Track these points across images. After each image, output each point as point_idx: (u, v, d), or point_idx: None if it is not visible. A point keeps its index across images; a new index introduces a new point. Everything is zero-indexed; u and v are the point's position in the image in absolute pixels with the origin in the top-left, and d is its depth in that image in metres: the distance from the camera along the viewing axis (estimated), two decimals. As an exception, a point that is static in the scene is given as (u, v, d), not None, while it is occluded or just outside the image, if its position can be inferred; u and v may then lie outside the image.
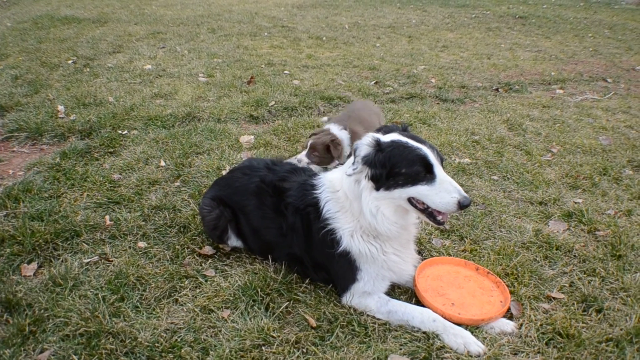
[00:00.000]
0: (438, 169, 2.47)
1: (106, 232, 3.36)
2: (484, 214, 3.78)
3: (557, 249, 3.38)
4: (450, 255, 3.26)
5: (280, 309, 2.71)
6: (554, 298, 2.89)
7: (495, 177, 4.44)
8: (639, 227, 3.70)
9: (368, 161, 2.47)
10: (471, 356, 2.42)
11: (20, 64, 7.39)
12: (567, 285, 3.01)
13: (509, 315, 2.74)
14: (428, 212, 2.56)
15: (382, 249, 2.69)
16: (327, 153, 4.22)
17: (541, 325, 2.65)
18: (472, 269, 3.05)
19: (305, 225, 2.80)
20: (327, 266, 2.80)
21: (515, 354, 2.47)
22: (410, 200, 2.54)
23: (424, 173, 2.45)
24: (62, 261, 3.04)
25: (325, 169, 4.45)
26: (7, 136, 4.89)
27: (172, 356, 2.39)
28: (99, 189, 3.89)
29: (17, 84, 6.39)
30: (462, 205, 2.42)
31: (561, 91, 7.53)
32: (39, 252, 3.12)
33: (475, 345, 2.46)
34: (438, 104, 6.65)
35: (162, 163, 4.38)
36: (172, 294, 2.82)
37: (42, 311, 2.61)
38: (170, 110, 5.64)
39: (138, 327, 2.54)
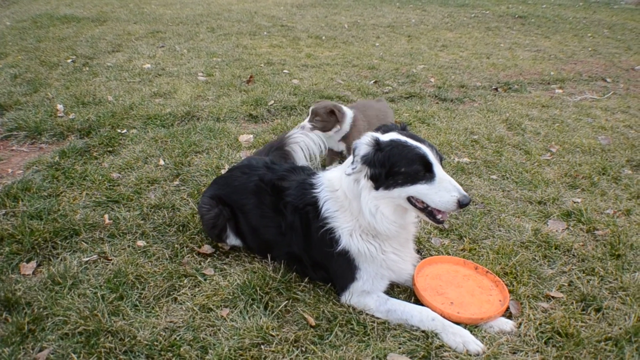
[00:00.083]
0: (437, 167, 2.47)
1: (105, 231, 3.35)
2: (483, 213, 3.79)
3: (556, 248, 3.38)
4: (450, 254, 3.26)
5: (280, 308, 2.71)
6: (553, 297, 2.89)
7: (494, 177, 4.45)
8: (638, 227, 3.71)
9: (367, 160, 2.47)
10: (470, 355, 2.42)
11: (19, 62, 7.38)
12: (566, 284, 3.02)
13: (508, 314, 2.75)
14: (427, 211, 2.56)
15: (381, 248, 2.69)
16: (331, 117, 4.21)
17: (540, 324, 2.65)
18: (471, 268, 3.06)
19: (304, 224, 2.80)
20: (326, 265, 2.80)
21: (514, 353, 2.47)
22: (410, 200, 2.54)
23: (423, 172, 2.45)
24: (61, 260, 3.03)
25: (330, 160, 4.48)
26: (6, 135, 4.88)
27: (171, 355, 2.39)
28: (98, 188, 3.89)
29: (16, 83, 6.38)
30: (461, 204, 2.42)
31: (560, 91, 7.53)
32: (38, 251, 3.11)
33: (474, 344, 2.46)
34: (437, 103, 6.66)
35: (161, 162, 4.38)
36: (171, 293, 2.82)
37: (41, 310, 2.61)
38: (169, 109, 5.63)
39: (137, 326, 2.54)
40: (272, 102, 6.08)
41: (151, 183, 4.03)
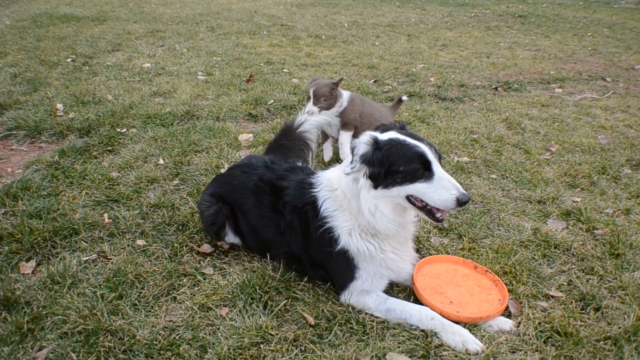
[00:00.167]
0: (436, 166, 2.47)
1: (105, 230, 3.36)
2: (482, 213, 3.79)
3: (555, 248, 3.38)
4: (449, 254, 3.26)
5: (279, 307, 2.71)
6: (552, 296, 2.89)
7: (493, 176, 4.45)
8: (637, 226, 3.71)
9: (366, 159, 2.47)
10: (469, 354, 2.42)
11: (19, 62, 7.38)
12: (565, 283, 3.02)
13: (507, 314, 2.75)
14: (427, 209, 2.56)
15: (381, 247, 2.69)
16: (333, 92, 4.22)
17: (539, 323, 2.65)
18: (471, 267, 3.06)
19: (303, 223, 2.80)
20: (326, 264, 2.80)
21: (514, 352, 2.47)
22: (409, 198, 2.54)
23: (422, 170, 2.45)
24: (60, 259, 3.03)
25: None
26: (6, 134, 4.88)
27: (170, 354, 2.39)
28: (97, 187, 3.89)
29: (16, 82, 6.38)
30: (460, 203, 2.42)
31: (560, 90, 7.53)
32: (38, 250, 3.11)
33: (474, 343, 2.46)
34: (437, 102, 6.66)
35: (161, 161, 4.38)
36: (171, 292, 2.82)
37: (41, 309, 2.61)
38: (169, 109, 5.63)
39: (136, 325, 2.54)
40: (272, 101, 6.08)
41: (151, 182, 4.03)
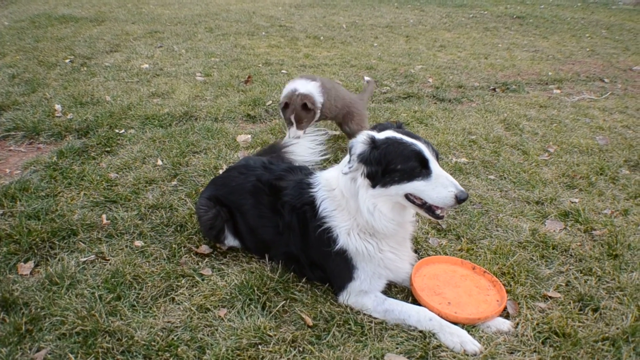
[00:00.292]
0: (433, 163, 2.47)
1: (103, 231, 3.35)
2: (480, 213, 3.79)
3: (553, 249, 3.39)
4: (447, 254, 3.26)
5: (277, 308, 2.71)
6: (550, 297, 2.89)
7: (492, 177, 4.45)
8: (635, 227, 3.71)
9: (363, 159, 2.48)
10: (467, 355, 2.42)
11: (17, 62, 7.37)
12: (563, 284, 3.02)
13: (505, 314, 2.75)
14: (426, 207, 2.55)
15: (379, 246, 2.69)
16: (309, 111, 4.21)
17: (537, 324, 2.65)
18: (469, 268, 3.06)
19: (301, 223, 2.80)
20: (324, 265, 2.80)
21: (512, 353, 2.48)
22: (408, 197, 2.54)
23: (420, 168, 2.45)
24: (58, 260, 3.03)
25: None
26: (4, 135, 4.87)
27: (168, 355, 2.39)
28: (95, 188, 3.89)
29: (14, 83, 6.37)
30: (459, 199, 2.42)
31: (558, 91, 7.54)
32: (36, 251, 3.11)
33: (472, 344, 2.46)
34: (435, 103, 6.66)
35: (159, 162, 4.38)
36: (169, 293, 2.82)
37: (39, 310, 2.61)
38: (167, 110, 5.63)
39: (134, 326, 2.54)
40: (270, 102, 6.08)
41: (149, 183, 4.03)
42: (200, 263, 3.10)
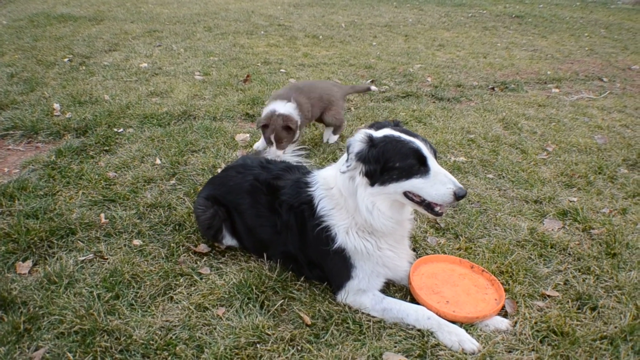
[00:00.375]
0: (431, 161, 2.47)
1: (101, 230, 3.35)
2: (479, 212, 3.79)
3: (552, 247, 3.39)
4: (445, 253, 3.26)
5: (275, 307, 2.71)
6: (548, 296, 2.90)
7: (490, 176, 4.45)
8: (634, 226, 3.72)
9: (361, 157, 2.48)
10: (466, 354, 2.42)
11: (16, 62, 7.36)
12: (561, 283, 3.02)
13: (503, 313, 2.75)
14: (425, 204, 2.55)
15: (377, 244, 2.69)
16: (290, 131, 4.22)
17: (536, 323, 2.66)
18: (467, 267, 3.06)
19: (299, 222, 2.80)
20: (322, 264, 2.80)
21: (510, 352, 2.48)
22: (407, 194, 2.54)
23: (418, 166, 2.45)
24: (57, 259, 3.03)
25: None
26: (3, 134, 4.87)
27: (167, 354, 2.39)
28: (94, 187, 3.89)
29: (12, 82, 6.36)
30: (458, 196, 2.42)
31: (557, 90, 7.55)
32: (34, 250, 3.11)
33: (470, 343, 2.46)
34: (434, 102, 6.66)
35: (158, 161, 4.37)
36: (167, 292, 2.82)
37: (37, 309, 2.60)
38: (166, 109, 5.63)
39: (133, 325, 2.53)
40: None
41: (147, 182, 4.02)
42: (198, 262, 3.10)
